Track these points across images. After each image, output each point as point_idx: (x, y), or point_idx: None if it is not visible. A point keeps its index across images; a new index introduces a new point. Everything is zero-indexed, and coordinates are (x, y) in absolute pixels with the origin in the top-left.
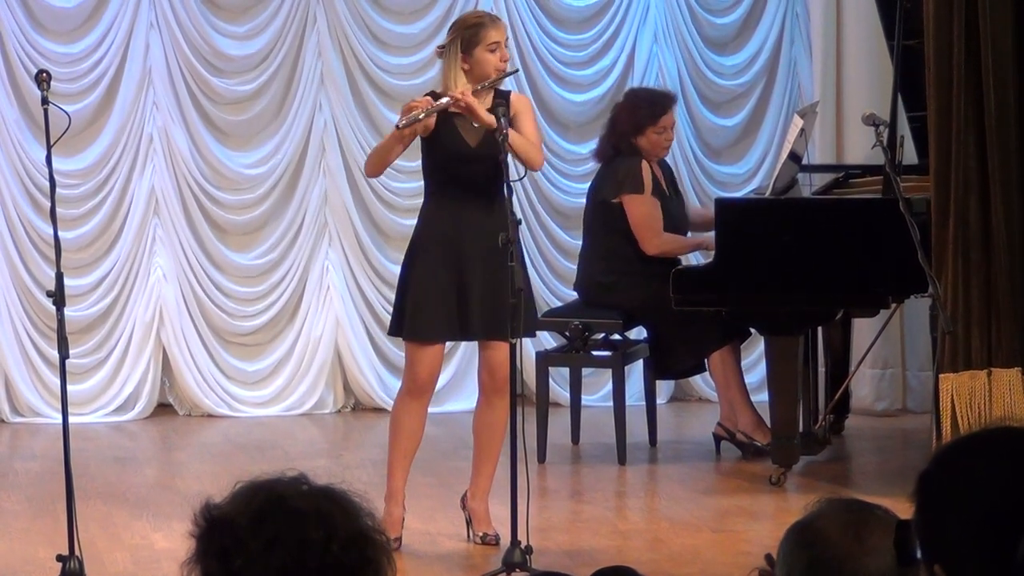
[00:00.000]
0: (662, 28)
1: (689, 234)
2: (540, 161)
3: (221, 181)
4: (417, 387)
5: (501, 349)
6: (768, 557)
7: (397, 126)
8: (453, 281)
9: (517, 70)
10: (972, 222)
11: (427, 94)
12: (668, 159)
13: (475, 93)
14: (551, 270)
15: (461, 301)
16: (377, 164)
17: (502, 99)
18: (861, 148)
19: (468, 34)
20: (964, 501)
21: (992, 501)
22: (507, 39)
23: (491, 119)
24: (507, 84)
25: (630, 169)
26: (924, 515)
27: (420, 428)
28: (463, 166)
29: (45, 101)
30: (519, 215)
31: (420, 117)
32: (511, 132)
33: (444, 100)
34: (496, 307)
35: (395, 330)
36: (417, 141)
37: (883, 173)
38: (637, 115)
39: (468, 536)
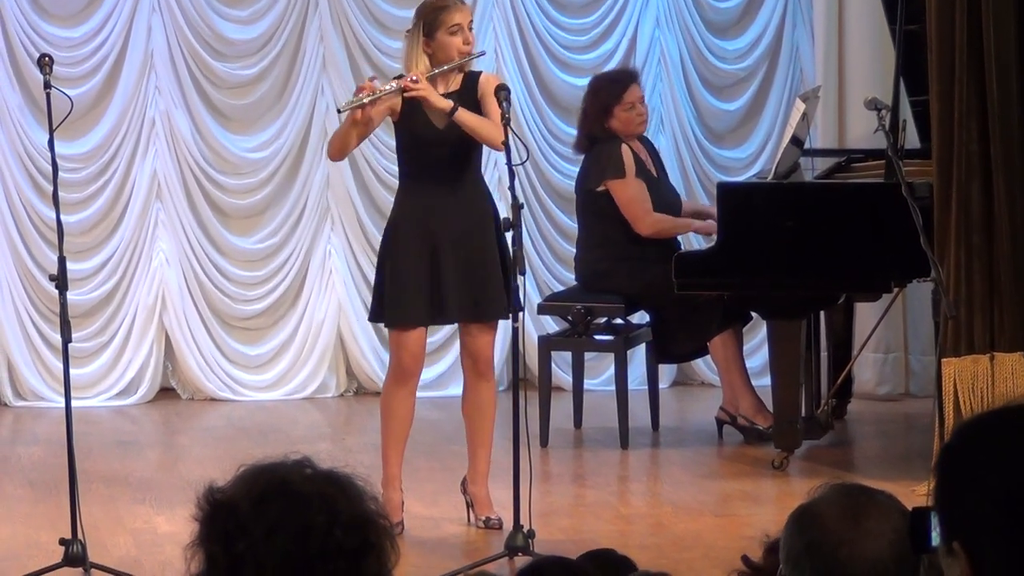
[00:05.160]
0: (664, 12)
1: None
2: (499, 137)
3: (223, 165)
4: (403, 373)
5: (482, 333)
6: (744, 559)
7: (338, 109)
8: (427, 265)
9: (483, 53)
10: (974, 206)
11: (395, 78)
12: (667, 142)
13: (433, 77)
14: (552, 253)
15: (436, 285)
16: (338, 148)
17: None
18: (863, 132)
19: (430, 18)
20: (987, 476)
21: (1016, 477)
22: (471, 21)
23: (446, 103)
24: (510, 65)
25: (611, 154)
26: (945, 490)
27: (410, 413)
28: (430, 149)
29: (47, 85)
30: (521, 199)
31: (365, 102)
32: (462, 111)
33: (391, 85)
34: (473, 290)
35: (375, 316)
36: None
37: (885, 157)
38: (601, 98)
39: (469, 520)
